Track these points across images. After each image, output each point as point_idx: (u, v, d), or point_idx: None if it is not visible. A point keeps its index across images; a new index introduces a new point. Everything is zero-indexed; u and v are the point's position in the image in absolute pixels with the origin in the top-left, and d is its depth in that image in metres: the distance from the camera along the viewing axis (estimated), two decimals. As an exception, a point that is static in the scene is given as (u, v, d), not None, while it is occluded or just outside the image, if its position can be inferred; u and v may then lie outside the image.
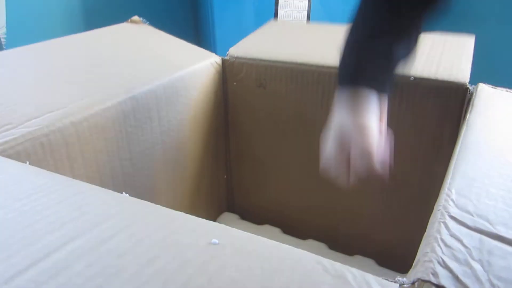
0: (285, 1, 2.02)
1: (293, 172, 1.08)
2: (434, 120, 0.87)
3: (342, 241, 1.09)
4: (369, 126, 0.65)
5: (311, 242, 1.12)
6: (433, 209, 0.91)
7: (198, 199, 1.09)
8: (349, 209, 1.05)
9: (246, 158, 1.14)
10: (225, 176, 1.18)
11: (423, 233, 0.94)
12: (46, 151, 0.69)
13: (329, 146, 0.71)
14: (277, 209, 1.16)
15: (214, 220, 1.12)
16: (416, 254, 0.98)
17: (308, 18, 2.02)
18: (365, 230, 1.05)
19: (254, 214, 1.20)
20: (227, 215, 1.23)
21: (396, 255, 0.97)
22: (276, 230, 1.16)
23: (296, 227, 1.15)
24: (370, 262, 1.05)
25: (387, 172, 0.66)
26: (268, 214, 1.18)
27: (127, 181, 0.84)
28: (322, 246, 1.11)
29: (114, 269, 0.39)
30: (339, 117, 0.68)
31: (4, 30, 1.80)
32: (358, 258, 1.07)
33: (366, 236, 1.06)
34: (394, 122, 0.89)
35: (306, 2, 2.00)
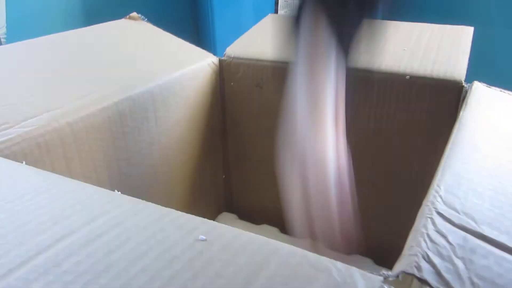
0: (285, 1, 2.01)
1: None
2: (430, 118, 0.87)
3: (340, 240, 1.09)
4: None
5: (309, 241, 1.12)
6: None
7: (196, 199, 1.09)
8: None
9: (244, 158, 1.14)
10: (224, 176, 1.18)
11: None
12: (42, 151, 0.69)
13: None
14: (275, 208, 1.16)
15: (213, 220, 1.12)
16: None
17: (308, 17, 2.01)
18: (362, 229, 1.06)
19: (253, 214, 1.21)
20: (225, 215, 1.23)
21: (394, 254, 0.97)
22: (274, 230, 1.16)
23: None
24: (367, 261, 1.06)
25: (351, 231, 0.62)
26: (266, 214, 1.18)
27: (124, 181, 0.85)
28: (319, 245, 1.11)
29: (103, 266, 0.39)
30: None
31: (4, 30, 1.80)
32: (356, 257, 1.07)
33: (363, 235, 1.06)
34: (390, 121, 0.90)
35: (306, 2, 2.00)
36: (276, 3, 2.04)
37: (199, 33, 2.44)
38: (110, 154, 0.81)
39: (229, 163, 1.17)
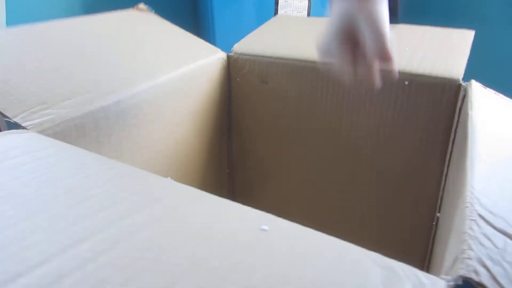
0: (285, 1, 1.99)
1: (293, 166, 1.07)
2: (428, 117, 0.86)
3: (344, 233, 1.07)
4: (381, 12, 0.60)
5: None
6: (426, 205, 0.90)
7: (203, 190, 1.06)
8: (348, 204, 1.03)
9: (248, 152, 1.12)
10: (227, 170, 1.16)
11: (420, 229, 0.93)
12: (79, 133, 0.67)
13: (330, 37, 0.64)
14: (279, 203, 1.13)
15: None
16: (413, 248, 0.95)
17: (308, 18, 1.99)
18: (362, 224, 1.04)
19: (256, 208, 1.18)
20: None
21: (395, 252, 0.96)
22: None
23: (298, 222, 1.12)
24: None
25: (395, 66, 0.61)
26: (269, 209, 1.15)
27: (146, 168, 0.82)
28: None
29: (169, 245, 0.37)
30: (342, 5, 0.62)
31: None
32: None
33: (364, 230, 1.04)
34: (389, 119, 0.88)
35: (306, 2, 1.97)
36: (276, 3, 2.01)
37: (199, 32, 2.40)
38: (135, 141, 0.78)
39: (234, 157, 1.15)
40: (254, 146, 1.10)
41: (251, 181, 1.15)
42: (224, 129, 1.09)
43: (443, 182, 0.87)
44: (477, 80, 0.81)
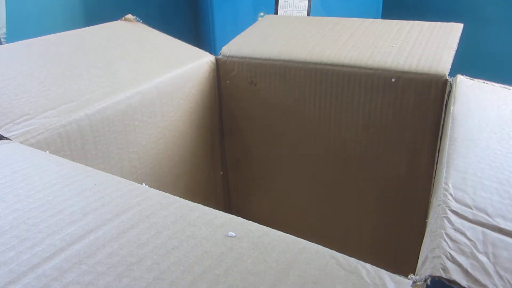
0: (285, 1, 1.97)
1: (285, 166, 1.06)
2: (416, 114, 0.84)
3: (336, 235, 1.06)
4: None
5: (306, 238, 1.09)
6: (418, 202, 0.89)
7: (196, 194, 1.06)
8: (341, 203, 1.02)
9: (242, 154, 1.11)
10: (221, 173, 1.15)
11: (411, 227, 0.92)
12: (63, 141, 0.66)
13: None
14: (273, 202, 1.13)
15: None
16: (406, 251, 0.95)
17: (308, 18, 1.98)
18: (356, 223, 1.03)
19: (250, 210, 1.18)
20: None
21: (389, 253, 0.96)
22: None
23: (291, 225, 1.12)
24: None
25: None
26: (264, 208, 1.15)
27: (134, 174, 0.82)
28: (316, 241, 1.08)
29: (135, 258, 0.37)
30: None
31: (4, 30, 1.75)
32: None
33: (358, 230, 1.03)
34: (377, 118, 0.87)
35: (306, 2, 1.95)
36: (276, 3, 1.99)
37: (199, 33, 2.39)
38: (122, 147, 0.78)
39: (227, 159, 1.14)
40: (247, 147, 1.09)
41: (245, 181, 1.14)
42: (216, 132, 1.08)
43: (433, 183, 0.86)
44: (476, 76, 0.80)
